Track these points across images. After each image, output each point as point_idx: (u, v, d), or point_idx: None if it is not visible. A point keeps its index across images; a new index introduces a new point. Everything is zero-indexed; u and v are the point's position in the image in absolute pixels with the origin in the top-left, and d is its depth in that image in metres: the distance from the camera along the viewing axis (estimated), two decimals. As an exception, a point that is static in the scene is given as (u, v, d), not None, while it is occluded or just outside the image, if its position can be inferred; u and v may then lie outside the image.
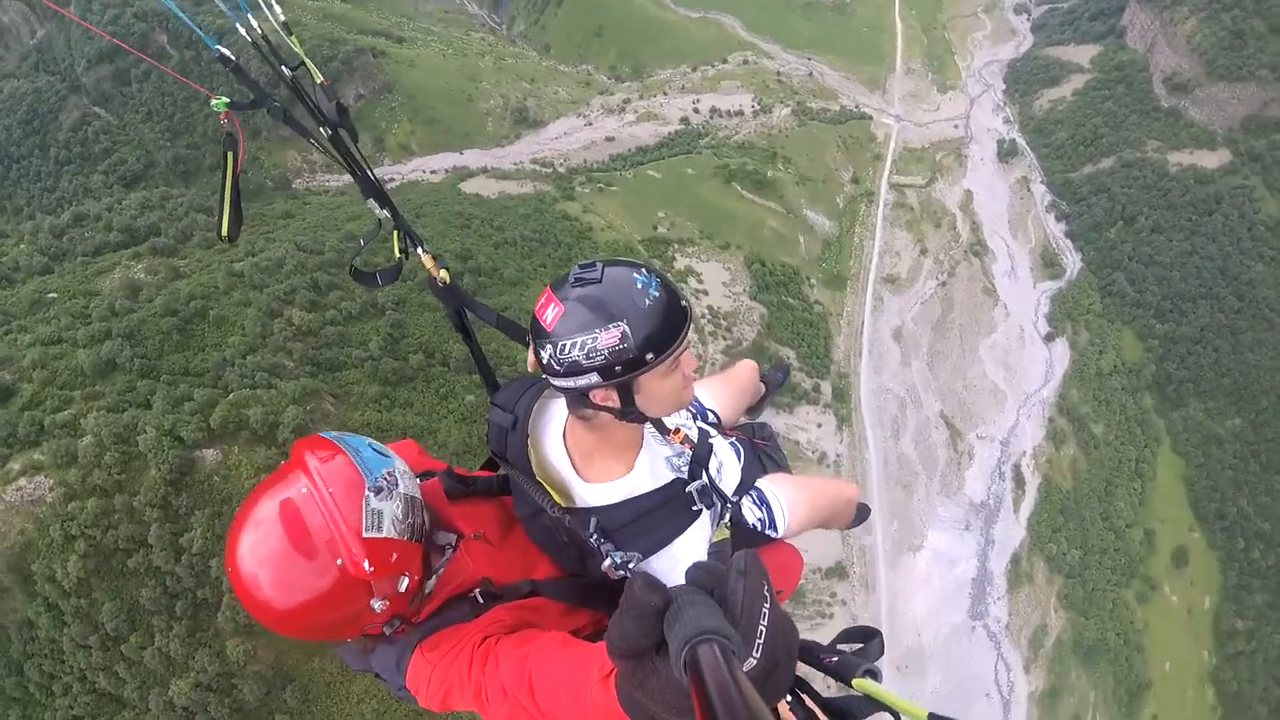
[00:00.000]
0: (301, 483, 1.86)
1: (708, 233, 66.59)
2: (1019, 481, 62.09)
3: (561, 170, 71.07)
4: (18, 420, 33.45)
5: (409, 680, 2.05)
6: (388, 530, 1.88)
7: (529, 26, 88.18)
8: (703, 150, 74.10)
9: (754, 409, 3.88)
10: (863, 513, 3.94)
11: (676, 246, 64.32)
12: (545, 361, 1.99)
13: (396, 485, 1.96)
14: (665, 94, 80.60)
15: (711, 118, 78.47)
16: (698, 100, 79.75)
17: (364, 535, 1.82)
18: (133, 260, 49.28)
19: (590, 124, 76.82)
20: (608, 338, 1.89)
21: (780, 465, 3.20)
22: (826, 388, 62.65)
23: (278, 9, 2.67)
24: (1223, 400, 66.25)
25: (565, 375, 1.97)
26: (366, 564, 1.81)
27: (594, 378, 1.95)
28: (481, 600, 2.11)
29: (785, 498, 2.86)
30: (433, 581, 2.09)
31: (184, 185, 69.39)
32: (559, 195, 66.13)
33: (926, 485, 61.23)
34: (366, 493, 1.87)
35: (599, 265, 1.97)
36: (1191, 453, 64.85)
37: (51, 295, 45.61)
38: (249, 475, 33.28)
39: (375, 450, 2.03)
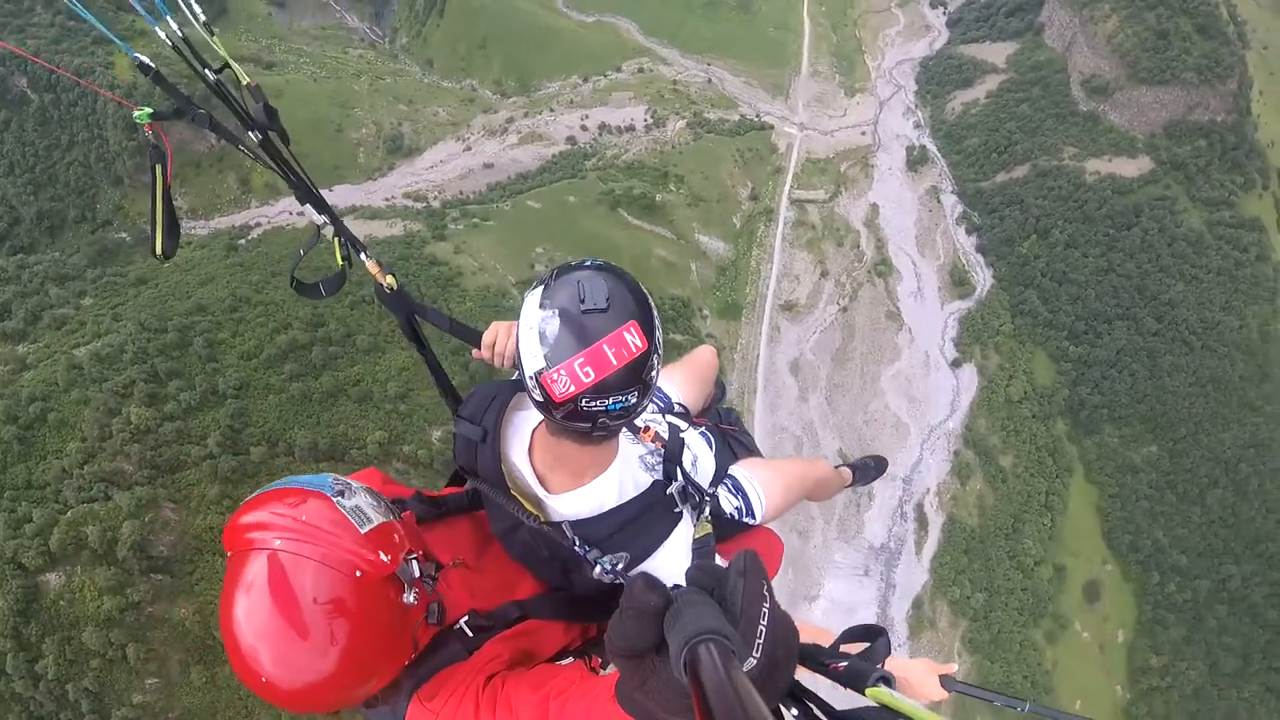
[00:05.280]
0: (271, 539, 1.63)
1: (589, 267, 62.08)
2: (922, 522, 59.49)
3: (435, 204, 66.09)
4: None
5: None
6: (375, 518, 1.76)
7: (411, 40, 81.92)
8: (588, 173, 69.29)
9: (709, 407, 3.53)
10: (880, 465, 4.24)
11: (553, 287, 59.74)
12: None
13: (348, 484, 1.83)
14: (552, 110, 75.49)
15: (600, 135, 73.62)
16: (586, 116, 74.84)
17: (362, 532, 1.70)
18: (-18, 349, 48.41)
19: (469, 148, 71.75)
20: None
21: (750, 449, 3.17)
22: (716, 432, 58.82)
23: (198, 9, 2.41)
24: (1139, 427, 63.77)
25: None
26: (382, 554, 1.70)
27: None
28: (470, 634, 1.96)
29: (760, 482, 2.78)
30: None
31: (50, 240, 65.15)
32: (430, 235, 61.31)
33: (824, 530, 58.44)
34: (332, 500, 1.73)
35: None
36: (1105, 482, 62.50)
37: (-96, 400, 44.72)
38: (93, 597, 33.88)
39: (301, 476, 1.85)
